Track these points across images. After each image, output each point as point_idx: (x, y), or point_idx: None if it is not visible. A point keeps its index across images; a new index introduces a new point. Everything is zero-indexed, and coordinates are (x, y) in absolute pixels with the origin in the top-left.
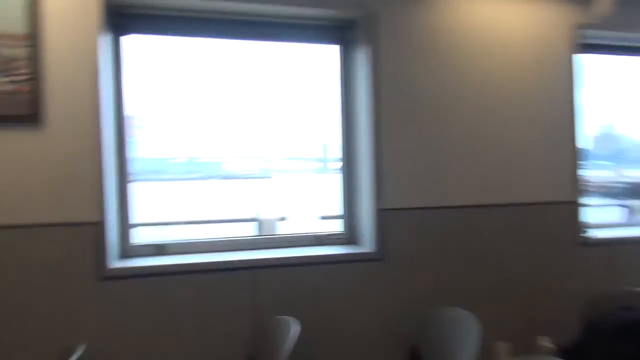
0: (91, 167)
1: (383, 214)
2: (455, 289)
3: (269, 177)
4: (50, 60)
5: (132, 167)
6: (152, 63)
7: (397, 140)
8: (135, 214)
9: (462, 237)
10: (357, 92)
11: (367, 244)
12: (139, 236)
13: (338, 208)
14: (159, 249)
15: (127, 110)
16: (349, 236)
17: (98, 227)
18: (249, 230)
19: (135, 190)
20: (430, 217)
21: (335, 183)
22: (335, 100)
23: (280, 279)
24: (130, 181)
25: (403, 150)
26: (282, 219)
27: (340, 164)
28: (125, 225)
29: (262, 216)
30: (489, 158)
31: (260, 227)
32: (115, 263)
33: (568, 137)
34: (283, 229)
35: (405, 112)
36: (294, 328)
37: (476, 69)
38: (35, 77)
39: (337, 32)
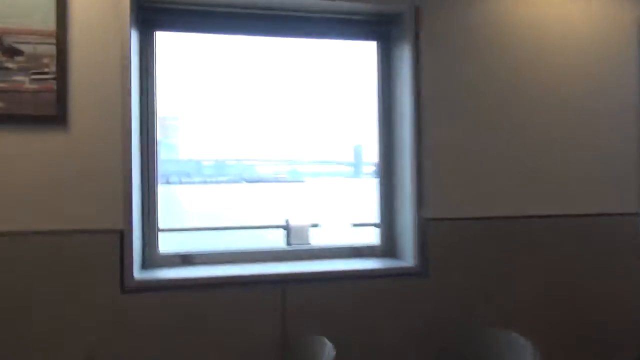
0: (117, 171)
1: (426, 224)
2: (506, 309)
3: (300, 181)
4: (76, 58)
5: (161, 169)
6: (184, 61)
7: (441, 143)
8: (162, 220)
9: (514, 252)
10: (397, 90)
11: (407, 257)
12: (165, 244)
13: (375, 216)
14: (185, 260)
15: (157, 111)
16: (387, 248)
17: (122, 235)
18: (278, 237)
19: (162, 194)
20: (479, 228)
21: (371, 188)
22: (372, 100)
23: (312, 294)
24: (158, 185)
25: (449, 154)
26: (314, 226)
27: (377, 168)
28: (150, 233)
29: (293, 223)
30: (546, 164)
31: (290, 235)
32: (139, 274)
33: (635, 141)
34: (315, 237)
35: (452, 112)
36: (328, 349)
37: (534, 67)
38: (61, 75)
39: (375, 27)
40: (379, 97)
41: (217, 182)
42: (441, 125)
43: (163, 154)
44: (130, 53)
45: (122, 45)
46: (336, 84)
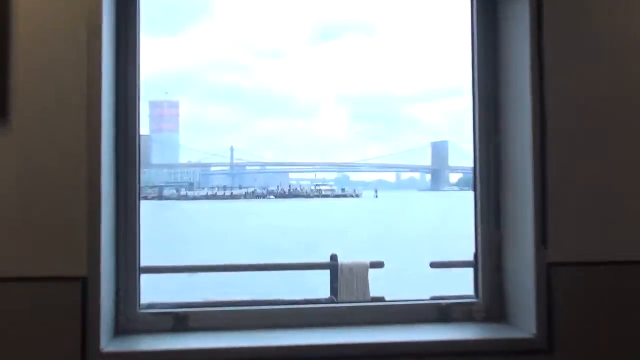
0: (79, 185)
1: (554, 271)
2: None
3: (354, 196)
4: (23, 26)
5: (151, 178)
6: (183, 21)
7: (578, 143)
8: (146, 256)
9: None
10: (507, 63)
11: (523, 323)
12: (150, 291)
13: (470, 251)
14: (179, 320)
15: (140, 97)
16: (491, 306)
17: (84, 284)
18: (321, 281)
19: (150, 215)
20: (635, 278)
21: (461, 207)
22: (465, 76)
23: None
24: (141, 204)
25: (590, 160)
26: (376, 265)
27: (474, 177)
28: (128, 277)
29: (344, 261)
30: None
31: (339, 279)
32: (109, 344)
33: None
34: (375, 284)
35: (596, 95)
36: None
37: None
38: (1, 51)
39: None
40: (476, 72)
41: (231, 197)
42: (578, 115)
43: (155, 157)
44: (101, 15)
45: (93, 6)
46: (410, 51)
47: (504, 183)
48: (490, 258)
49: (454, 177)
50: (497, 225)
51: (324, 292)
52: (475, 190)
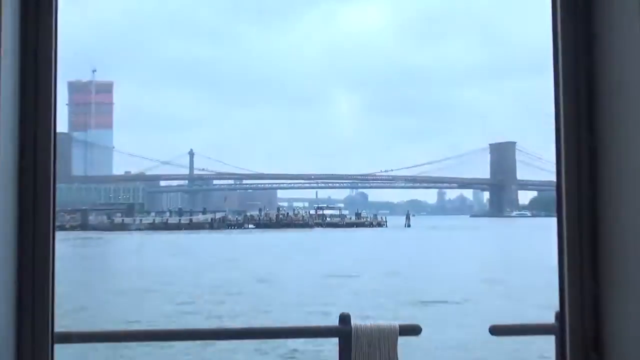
0: None
1: None
2: None
3: (376, 225)
4: None
5: (72, 198)
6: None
7: None
8: (64, 317)
9: None
10: (604, 30)
11: None
12: None
13: (551, 310)
14: None
15: (57, 78)
16: None
17: None
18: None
19: (69, 252)
20: None
21: (536, 244)
22: (542, 59)
23: None
24: (55, 238)
25: None
26: (409, 331)
27: (559, 198)
28: (34, 352)
29: (359, 324)
30: None
31: (355, 350)
32: None
33: None
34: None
35: None
36: None
37: None
38: None
39: None
40: (560, 40)
41: (190, 227)
42: None
43: (77, 166)
44: None
45: None
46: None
47: (604, 207)
48: (583, 322)
49: (525, 197)
50: (594, 273)
51: None
52: (560, 218)
